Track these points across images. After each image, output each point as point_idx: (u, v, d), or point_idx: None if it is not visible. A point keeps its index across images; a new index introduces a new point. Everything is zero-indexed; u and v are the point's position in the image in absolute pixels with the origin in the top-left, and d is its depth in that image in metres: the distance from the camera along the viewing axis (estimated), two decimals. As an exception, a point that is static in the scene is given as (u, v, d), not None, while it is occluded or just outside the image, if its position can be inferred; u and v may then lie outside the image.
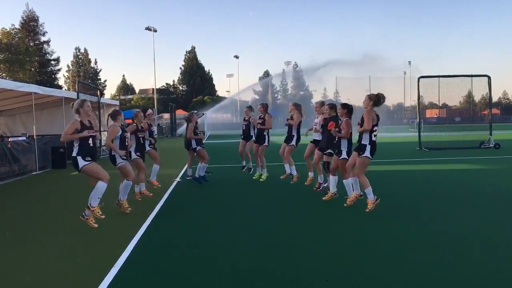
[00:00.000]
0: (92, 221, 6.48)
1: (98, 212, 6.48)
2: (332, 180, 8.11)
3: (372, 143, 7.07)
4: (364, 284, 4.21)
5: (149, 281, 4.45)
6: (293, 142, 9.92)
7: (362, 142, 7.07)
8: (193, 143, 10.47)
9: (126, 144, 7.71)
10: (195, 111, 11.83)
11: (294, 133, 9.90)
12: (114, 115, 7.76)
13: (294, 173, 10.02)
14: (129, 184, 7.62)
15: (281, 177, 10.33)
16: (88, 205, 6.46)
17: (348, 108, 7.84)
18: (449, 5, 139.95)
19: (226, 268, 4.77)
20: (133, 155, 8.63)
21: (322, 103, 9.30)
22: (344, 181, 7.80)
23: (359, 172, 7.18)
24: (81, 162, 6.33)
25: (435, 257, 4.94)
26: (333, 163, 8.08)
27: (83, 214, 6.57)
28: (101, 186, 6.45)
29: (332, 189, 8.17)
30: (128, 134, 7.98)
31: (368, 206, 7.12)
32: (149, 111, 10.42)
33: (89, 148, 6.47)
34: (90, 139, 6.50)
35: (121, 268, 4.79)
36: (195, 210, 7.94)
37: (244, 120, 11.58)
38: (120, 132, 7.52)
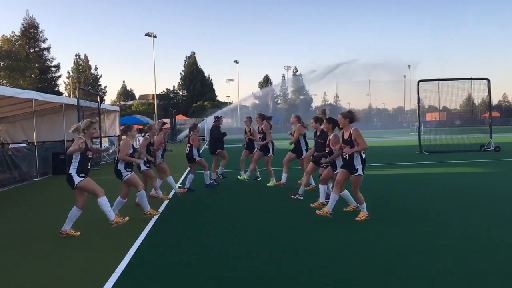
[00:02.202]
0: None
1: (120, 220, 6.97)
2: (322, 189, 8.03)
3: (363, 161, 6.96)
4: (364, 288, 4.21)
5: (150, 286, 4.44)
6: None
7: (355, 162, 6.87)
8: (195, 152, 10.40)
9: (133, 164, 7.72)
10: (221, 116, 11.91)
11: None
12: (125, 130, 7.88)
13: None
14: (142, 194, 7.65)
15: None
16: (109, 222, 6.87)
17: (333, 123, 7.58)
18: (448, 8, 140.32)
19: (227, 272, 4.77)
20: (142, 167, 8.74)
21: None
22: (340, 194, 7.50)
23: (357, 190, 7.04)
24: (76, 179, 6.50)
25: (436, 260, 4.94)
26: (323, 174, 8.00)
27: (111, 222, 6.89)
28: (103, 201, 6.65)
29: (321, 198, 8.03)
30: (140, 154, 7.99)
31: (360, 216, 7.00)
32: (167, 125, 10.38)
33: (86, 168, 6.64)
34: (90, 161, 6.72)
35: (121, 274, 4.79)
36: (195, 215, 7.93)
37: (245, 132, 11.63)
38: (131, 151, 7.54)
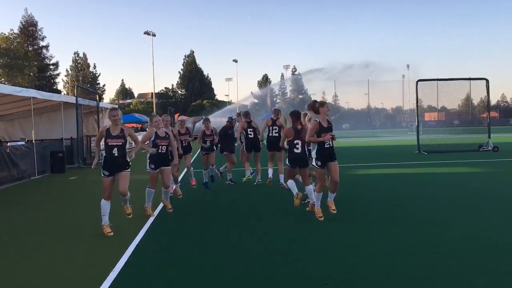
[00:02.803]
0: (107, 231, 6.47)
1: (106, 231, 6.46)
2: (307, 190, 7.70)
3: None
4: (363, 288, 4.22)
5: (148, 285, 4.44)
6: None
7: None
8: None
9: (159, 151, 7.60)
10: (235, 118, 11.69)
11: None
12: (151, 120, 7.98)
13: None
14: (151, 192, 7.70)
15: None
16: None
17: (292, 115, 7.62)
18: (447, 8, 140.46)
19: (225, 271, 4.77)
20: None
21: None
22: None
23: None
24: (101, 173, 6.49)
25: (434, 260, 4.94)
26: (287, 172, 7.91)
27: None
28: (101, 204, 6.52)
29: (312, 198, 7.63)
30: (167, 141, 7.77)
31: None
32: (181, 117, 9.96)
33: (111, 158, 6.48)
34: (115, 149, 6.49)
35: (119, 272, 4.79)
36: (194, 214, 7.93)
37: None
38: (153, 137, 7.60)
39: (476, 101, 69.98)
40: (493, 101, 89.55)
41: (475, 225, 6.54)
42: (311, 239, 5.99)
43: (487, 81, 20.62)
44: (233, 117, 11.67)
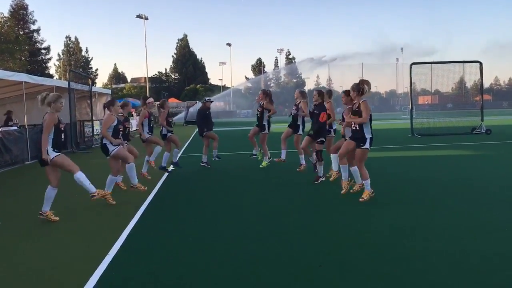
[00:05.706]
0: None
1: (101, 192, 6.74)
2: (334, 158, 8.57)
3: (371, 138, 7.08)
4: (356, 269, 4.25)
5: (143, 269, 4.46)
6: (300, 131, 9.84)
7: (365, 135, 6.98)
8: (163, 130, 10.62)
9: (119, 137, 7.74)
10: (208, 98, 12.23)
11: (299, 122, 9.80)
12: (108, 105, 7.81)
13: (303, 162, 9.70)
14: (131, 166, 7.67)
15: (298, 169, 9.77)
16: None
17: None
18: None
19: (221, 253, 4.80)
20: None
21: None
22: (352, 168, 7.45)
23: (362, 164, 7.15)
24: (51, 154, 6.21)
25: (426, 242, 5.00)
26: (339, 142, 8.31)
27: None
28: (79, 176, 6.48)
29: (335, 167, 8.77)
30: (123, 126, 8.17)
31: (364, 196, 7.03)
32: (150, 99, 10.43)
33: (61, 142, 6.44)
34: (63, 134, 6.47)
35: (114, 257, 4.81)
36: (188, 198, 7.94)
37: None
38: (115, 123, 7.58)
39: (469, 84, 69.89)
40: (486, 84, 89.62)
41: (467, 207, 6.59)
42: (304, 221, 6.03)
43: (481, 64, 20.65)
44: (207, 98, 12.15)
